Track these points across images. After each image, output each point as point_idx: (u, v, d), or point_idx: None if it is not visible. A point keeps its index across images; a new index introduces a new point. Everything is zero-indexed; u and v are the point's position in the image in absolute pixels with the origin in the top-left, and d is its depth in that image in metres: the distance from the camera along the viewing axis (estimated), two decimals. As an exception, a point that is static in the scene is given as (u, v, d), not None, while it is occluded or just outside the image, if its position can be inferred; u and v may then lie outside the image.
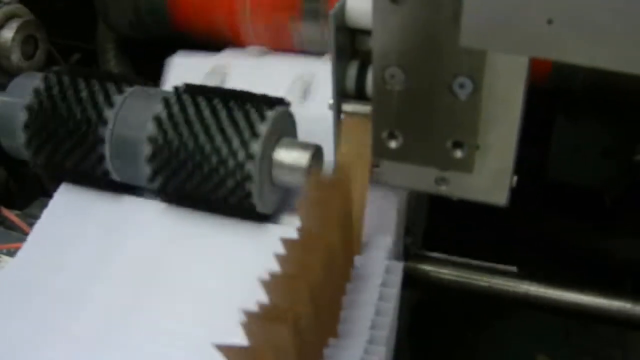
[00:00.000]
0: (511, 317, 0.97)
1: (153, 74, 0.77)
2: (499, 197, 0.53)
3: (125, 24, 0.85)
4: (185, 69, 0.75)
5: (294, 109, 0.61)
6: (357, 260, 0.53)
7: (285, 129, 0.59)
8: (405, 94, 0.50)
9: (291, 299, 0.41)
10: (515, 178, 0.53)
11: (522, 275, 0.77)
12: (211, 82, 0.72)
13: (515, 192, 0.94)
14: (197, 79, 0.71)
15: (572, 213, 0.99)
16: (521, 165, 0.93)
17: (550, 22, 0.37)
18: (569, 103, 0.88)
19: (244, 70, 0.74)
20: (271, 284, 0.41)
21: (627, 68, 0.37)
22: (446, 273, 0.80)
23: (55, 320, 0.54)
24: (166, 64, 0.77)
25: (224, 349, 0.38)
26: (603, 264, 0.97)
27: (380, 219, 0.58)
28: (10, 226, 0.71)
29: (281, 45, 0.75)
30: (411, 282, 0.83)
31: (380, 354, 0.48)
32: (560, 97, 0.86)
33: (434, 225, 0.96)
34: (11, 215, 0.72)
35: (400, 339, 0.65)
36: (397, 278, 0.52)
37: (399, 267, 0.53)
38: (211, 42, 0.80)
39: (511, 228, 1.00)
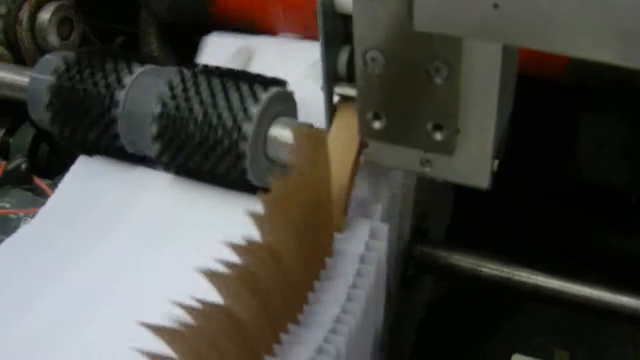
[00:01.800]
0: (529, 311, 0.98)
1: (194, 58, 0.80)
2: (481, 180, 0.54)
3: (164, 9, 0.89)
4: (217, 48, 0.78)
5: (312, 91, 0.62)
6: (340, 236, 0.55)
7: (283, 108, 0.62)
8: (386, 77, 0.51)
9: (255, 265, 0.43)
10: (496, 162, 0.54)
11: (540, 270, 0.78)
12: (236, 62, 0.75)
13: (539, 191, 0.95)
14: (225, 57, 0.75)
15: (597, 212, 0.99)
16: (545, 164, 0.93)
17: (496, 6, 0.38)
18: (593, 100, 0.88)
19: (268, 53, 0.77)
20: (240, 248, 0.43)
21: (573, 52, 0.38)
22: (464, 263, 0.82)
23: (59, 272, 0.58)
24: (201, 42, 0.81)
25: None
26: (625, 263, 0.96)
27: (371, 198, 0.60)
28: (40, 193, 0.76)
29: (313, 34, 0.78)
30: (429, 268, 0.85)
31: (350, 325, 0.50)
32: (584, 94, 0.86)
33: (457, 219, 0.98)
34: (42, 183, 0.77)
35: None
36: (375, 255, 0.54)
37: (381, 245, 0.55)
38: (246, 29, 0.84)
39: (534, 225, 1.01)
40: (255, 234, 0.45)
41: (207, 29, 0.84)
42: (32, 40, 0.79)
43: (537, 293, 0.79)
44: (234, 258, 0.43)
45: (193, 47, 0.82)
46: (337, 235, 0.55)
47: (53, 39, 0.79)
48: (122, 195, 0.66)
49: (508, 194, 0.99)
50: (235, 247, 0.43)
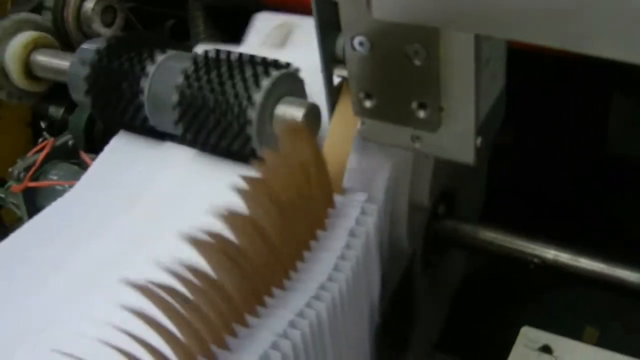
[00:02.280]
0: (560, 291, 0.98)
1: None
2: (466, 156, 0.57)
3: (209, -7, 0.94)
4: (262, 24, 0.83)
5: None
6: (333, 211, 0.59)
7: (291, 90, 0.66)
8: (373, 60, 0.54)
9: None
10: (479, 139, 0.56)
11: (569, 248, 0.80)
12: (275, 36, 0.79)
13: (574, 169, 0.95)
14: (266, 32, 0.79)
15: (632, 190, 0.98)
16: (580, 142, 0.94)
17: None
18: (624, 77, 0.88)
19: (306, 30, 0.80)
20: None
21: (512, 35, 0.41)
22: (490, 239, 0.84)
23: (78, 241, 0.64)
24: (251, 19, 0.86)
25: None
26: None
27: (370, 175, 0.64)
28: (85, 167, 0.83)
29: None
30: (453, 243, 0.87)
31: (334, 292, 0.54)
32: (615, 71, 0.87)
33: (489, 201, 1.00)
34: (87, 158, 0.84)
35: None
36: (364, 229, 0.58)
37: (370, 221, 0.59)
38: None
39: (564, 204, 1.01)
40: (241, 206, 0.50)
41: (252, 12, 0.89)
42: (78, 28, 0.86)
43: (566, 271, 0.81)
44: (217, 226, 0.48)
45: (239, 30, 0.86)
46: (330, 211, 0.59)
47: (97, 26, 0.86)
48: (149, 167, 0.72)
49: (538, 173, 1.00)
50: (219, 216, 0.48)
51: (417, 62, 0.52)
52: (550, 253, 0.80)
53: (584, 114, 0.95)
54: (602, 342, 0.77)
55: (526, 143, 1.02)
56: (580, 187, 0.99)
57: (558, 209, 0.99)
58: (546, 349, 0.74)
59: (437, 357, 0.93)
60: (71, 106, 0.96)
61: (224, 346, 0.49)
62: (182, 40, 1.08)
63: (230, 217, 0.49)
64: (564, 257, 0.79)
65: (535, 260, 0.82)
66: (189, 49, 0.82)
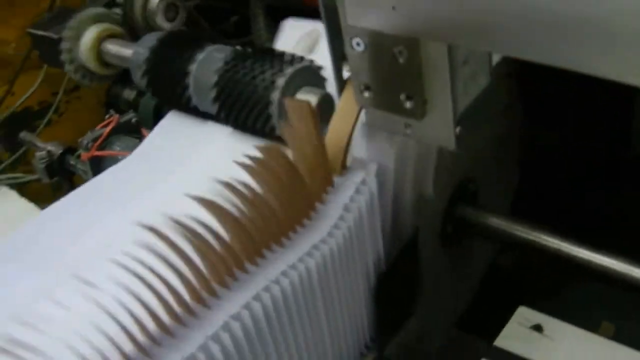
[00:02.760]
0: (578, 286, 1.03)
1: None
2: (448, 142, 0.67)
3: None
4: (290, 31, 0.94)
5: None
6: (332, 188, 0.70)
7: (312, 82, 0.77)
8: (368, 58, 0.65)
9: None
10: (459, 128, 0.66)
11: (590, 245, 0.86)
12: (304, 42, 0.91)
13: (597, 165, 1.01)
14: (294, 40, 0.91)
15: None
16: (604, 139, 1.00)
17: (394, 8, 0.51)
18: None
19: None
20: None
21: (476, 45, 0.51)
22: (506, 229, 0.93)
23: (122, 202, 0.77)
24: (280, 25, 0.97)
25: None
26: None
27: (371, 157, 0.74)
28: (143, 142, 0.97)
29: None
30: (469, 230, 0.96)
31: (324, 252, 0.65)
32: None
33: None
34: (146, 134, 0.98)
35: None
36: (356, 205, 0.69)
37: (361, 199, 0.70)
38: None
39: (591, 200, 1.07)
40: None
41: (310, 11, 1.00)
42: (144, 22, 1.00)
43: (585, 267, 0.88)
44: (224, 192, 0.60)
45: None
46: (329, 188, 0.70)
47: (160, 20, 1.00)
48: (192, 142, 0.84)
49: (563, 171, 1.07)
50: (223, 183, 0.60)
51: (401, 61, 0.63)
52: (569, 247, 0.88)
53: (607, 115, 1.02)
54: (618, 338, 0.83)
55: (551, 142, 1.09)
56: (603, 187, 1.06)
57: (580, 208, 1.05)
58: (537, 328, 0.83)
59: (454, 333, 1.00)
60: (143, 91, 1.10)
61: (224, 285, 0.61)
62: (244, 35, 1.21)
63: (231, 184, 0.60)
64: (584, 252, 0.86)
65: (553, 253, 0.90)
66: (250, 44, 0.94)
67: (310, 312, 0.68)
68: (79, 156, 1.06)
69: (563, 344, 0.80)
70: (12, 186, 1.25)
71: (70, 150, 1.11)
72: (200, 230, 0.59)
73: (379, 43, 0.63)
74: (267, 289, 0.61)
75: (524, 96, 1.05)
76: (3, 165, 1.27)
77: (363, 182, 0.71)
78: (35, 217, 0.81)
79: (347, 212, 0.69)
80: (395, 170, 0.76)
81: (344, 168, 0.72)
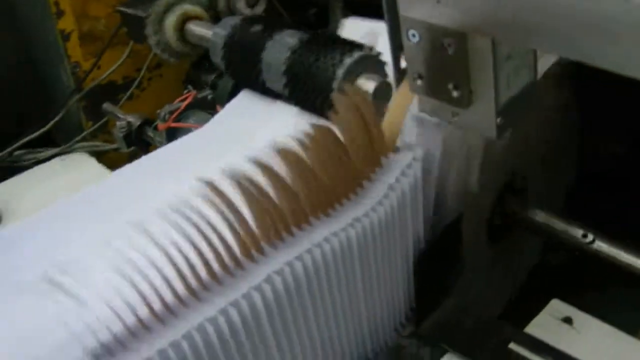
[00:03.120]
0: (622, 291, 1.04)
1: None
2: (489, 132, 0.72)
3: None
4: (352, 31, 1.01)
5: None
6: (380, 169, 0.77)
7: (372, 69, 0.84)
8: (421, 48, 0.71)
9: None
10: (499, 119, 0.71)
11: (630, 247, 0.90)
12: (364, 41, 0.97)
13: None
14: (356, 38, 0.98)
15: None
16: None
17: (438, 1, 0.58)
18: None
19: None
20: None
21: (518, 43, 0.57)
22: (554, 227, 0.97)
23: (186, 168, 0.84)
24: (340, 24, 1.04)
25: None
26: None
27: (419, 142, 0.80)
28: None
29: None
30: (515, 223, 1.01)
31: (365, 225, 0.72)
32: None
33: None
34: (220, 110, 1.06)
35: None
36: (400, 186, 0.75)
37: (406, 180, 0.76)
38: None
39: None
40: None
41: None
42: (226, 6, 1.09)
43: (625, 269, 0.92)
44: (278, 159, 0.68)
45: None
46: (377, 169, 0.76)
47: (241, 6, 1.08)
48: (258, 118, 0.92)
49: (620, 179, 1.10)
50: (278, 150, 0.68)
51: (450, 52, 0.69)
52: (616, 252, 0.92)
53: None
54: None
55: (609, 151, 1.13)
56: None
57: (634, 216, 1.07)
58: (567, 320, 0.88)
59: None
60: (221, 74, 1.19)
61: (271, 244, 0.68)
62: (322, 27, 1.29)
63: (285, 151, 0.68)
64: (632, 259, 0.91)
65: (593, 253, 0.94)
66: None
67: (349, 281, 0.74)
68: (156, 127, 1.15)
69: (590, 338, 0.85)
70: (92, 154, 1.36)
71: (148, 122, 1.20)
72: (254, 190, 0.66)
73: (430, 35, 0.69)
74: (309, 251, 0.68)
75: (581, 102, 1.08)
76: (84, 133, 1.38)
77: (409, 165, 0.77)
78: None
79: (392, 191, 0.75)
80: (441, 159, 0.82)
81: (394, 150, 0.78)
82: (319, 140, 0.70)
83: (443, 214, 0.86)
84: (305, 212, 0.70)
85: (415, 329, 0.86)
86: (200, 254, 0.64)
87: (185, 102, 1.10)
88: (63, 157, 1.37)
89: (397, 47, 0.77)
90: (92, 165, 1.33)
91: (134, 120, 1.22)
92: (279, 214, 0.68)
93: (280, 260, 0.67)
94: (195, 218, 0.63)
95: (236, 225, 0.65)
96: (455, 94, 0.71)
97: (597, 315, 0.90)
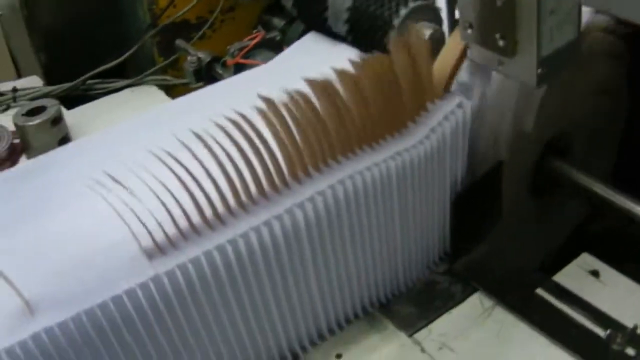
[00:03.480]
0: None
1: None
2: (530, 79, 0.77)
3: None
4: None
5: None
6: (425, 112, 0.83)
7: (429, 17, 0.90)
8: (472, 1, 0.77)
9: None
10: (540, 70, 0.76)
11: None
12: None
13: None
14: None
15: None
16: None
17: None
18: None
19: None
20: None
21: None
22: (593, 188, 1.02)
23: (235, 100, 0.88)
24: None
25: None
26: None
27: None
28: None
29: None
30: (557, 183, 1.05)
31: (405, 159, 0.78)
32: None
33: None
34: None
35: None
36: (441, 129, 0.81)
37: (447, 125, 0.82)
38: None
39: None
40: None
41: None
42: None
43: None
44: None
45: None
46: (422, 112, 0.82)
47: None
48: (320, 58, 0.99)
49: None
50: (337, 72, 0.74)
51: (499, 4, 0.74)
52: None
53: None
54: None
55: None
56: None
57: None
58: (595, 273, 0.93)
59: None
60: (291, 20, 1.26)
61: (316, 168, 0.75)
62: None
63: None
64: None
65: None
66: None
67: (386, 211, 0.81)
68: (224, 64, 1.23)
69: (615, 292, 0.90)
70: (161, 87, 1.45)
71: (217, 59, 1.28)
72: (310, 114, 0.73)
73: (482, -14, 0.74)
74: (351, 177, 0.75)
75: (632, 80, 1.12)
76: (156, 67, 1.47)
77: (452, 111, 0.83)
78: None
79: (433, 133, 0.81)
80: (494, 103, 0.87)
81: (443, 94, 0.84)
82: (373, 66, 0.76)
83: (486, 160, 0.92)
84: (351, 142, 0.77)
85: (449, 266, 0.93)
86: (252, 169, 0.71)
87: (254, 41, 1.18)
88: (133, 88, 1.46)
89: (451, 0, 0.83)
90: (160, 97, 1.42)
91: (204, 56, 1.29)
92: (327, 140, 0.75)
93: (323, 183, 0.74)
94: (252, 134, 0.70)
95: (288, 145, 0.72)
96: (501, 43, 0.76)
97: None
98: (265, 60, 1.13)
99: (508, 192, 0.96)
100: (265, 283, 0.74)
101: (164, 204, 0.68)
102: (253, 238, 0.71)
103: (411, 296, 0.90)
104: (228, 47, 1.18)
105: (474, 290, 0.90)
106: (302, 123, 0.73)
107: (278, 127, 0.72)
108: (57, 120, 1.22)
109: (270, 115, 0.71)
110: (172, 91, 1.44)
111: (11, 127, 1.24)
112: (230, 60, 1.17)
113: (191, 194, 0.69)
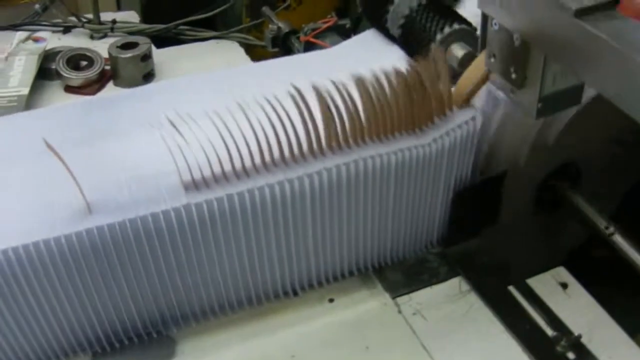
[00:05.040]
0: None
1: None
2: (531, 113, 0.95)
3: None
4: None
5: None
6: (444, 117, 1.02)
7: (465, 39, 1.09)
8: (498, 35, 0.95)
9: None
10: (540, 104, 0.95)
11: None
12: None
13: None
14: None
15: None
16: None
17: (500, 6, 0.82)
18: None
19: None
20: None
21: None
22: (591, 218, 1.19)
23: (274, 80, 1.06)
24: None
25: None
26: None
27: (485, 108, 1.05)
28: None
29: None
30: (560, 204, 1.23)
31: (420, 152, 0.98)
32: None
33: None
34: (352, 38, 1.34)
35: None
36: (459, 131, 1.01)
37: (457, 133, 1.01)
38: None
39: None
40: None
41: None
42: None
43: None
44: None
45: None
46: (442, 116, 1.02)
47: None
48: (373, 53, 1.19)
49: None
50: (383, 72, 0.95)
51: (516, 44, 0.93)
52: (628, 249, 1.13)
53: None
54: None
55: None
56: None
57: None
58: (564, 285, 1.11)
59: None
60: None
61: (348, 144, 0.96)
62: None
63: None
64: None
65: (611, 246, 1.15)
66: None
67: (397, 191, 1.01)
68: (298, 37, 1.44)
69: (575, 304, 1.08)
70: (242, 45, 1.67)
71: (295, 32, 1.49)
72: (346, 96, 0.93)
73: (505, 27, 0.93)
74: (372, 157, 0.95)
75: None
76: (241, 26, 1.69)
77: (466, 122, 1.02)
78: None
79: (446, 137, 1.01)
80: (499, 125, 1.06)
81: (464, 104, 1.04)
82: (410, 72, 0.97)
83: (493, 168, 1.11)
84: (382, 129, 0.97)
85: (442, 250, 1.13)
86: (295, 134, 0.92)
87: (327, 25, 1.39)
88: (218, 41, 1.69)
89: (485, 30, 1.02)
90: (239, 54, 1.65)
91: (284, 27, 1.51)
92: (369, 123, 0.95)
93: (351, 157, 0.95)
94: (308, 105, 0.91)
95: (342, 117, 0.93)
96: (514, 76, 0.95)
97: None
98: (333, 43, 1.34)
99: (512, 199, 1.14)
100: (272, 233, 0.94)
101: (205, 151, 0.88)
102: (266, 192, 0.91)
103: (403, 267, 1.12)
104: (304, 26, 1.39)
105: (457, 274, 1.10)
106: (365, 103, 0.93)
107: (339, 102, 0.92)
108: (146, 57, 1.46)
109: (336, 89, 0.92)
110: (251, 51, 1.66)
111: (105, 54, 1.48)
112: (303, 37, 1.38)
113: (235, 143, 0.89)
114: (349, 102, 0.93)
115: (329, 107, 0.92)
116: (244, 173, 0.91)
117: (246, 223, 0.92)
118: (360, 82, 0.94)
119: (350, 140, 0.96)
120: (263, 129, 0.90)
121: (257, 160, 0.91)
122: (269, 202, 0.92)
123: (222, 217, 0.90)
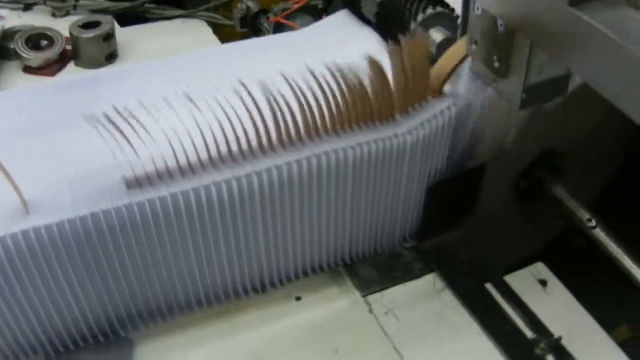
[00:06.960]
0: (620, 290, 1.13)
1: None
2: (515, 103, 0.88)
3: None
4: None
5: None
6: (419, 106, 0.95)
7: (444, 23, 1.01)
8: (481, 20, 0.87)
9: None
10: (524, 95, 0.87)
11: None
12: None
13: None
14: None
15: None
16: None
17: None
18: None
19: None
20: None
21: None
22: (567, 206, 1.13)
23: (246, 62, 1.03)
24: None
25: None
26: None
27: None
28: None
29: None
30: (540, 193, 1.16)
31: (400, 140, 0.91)
32: None
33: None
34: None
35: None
36: (438, 119, 0.93)
37: (433, 122, 0.94)
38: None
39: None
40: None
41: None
42: None
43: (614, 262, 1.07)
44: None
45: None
46: (423, 102, 0.94)
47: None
48: (344, 34, 1.12)
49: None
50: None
51: (500, 30, 0.85)
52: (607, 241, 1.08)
53: None
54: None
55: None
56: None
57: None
58: (543, 282, 1.05)
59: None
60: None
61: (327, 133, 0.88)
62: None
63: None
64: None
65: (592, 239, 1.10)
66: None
67: (369, 182, 0.94)
68: (267, 17, 1.35)
69: (554, 302, 1.03)
70: (210, 24, 1.58)
71: (264, 11, 1.40)
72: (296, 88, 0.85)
73: (489, 12, 0.85)
74: (344, 150, 0.89)
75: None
76: (209, 5, 1.60)
77: (442, 112, 0.95)
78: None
79: (420, 128, 0.93)
80: (481, 113, 0.99)
81: (439, 93, 0.96)
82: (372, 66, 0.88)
83: (474, 160, 1.03)
84: (343, 120, 0.89)
85: (416, 244, 1.05)
86: (264, 124, 0.84)
87: (297, 5, 1.30)
88: (185, 19, 1.59)
89: (467, 14, 0.93)
90: (207, 33, 1.55)
91: (253, 6, 1.42)
92: (345, 113, 0.88)
93: (328, 146, 0.88)
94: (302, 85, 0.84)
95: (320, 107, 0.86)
96: (496, 64, 0.88)
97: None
98: (303, 24, 1.25)
99: (493, 193, 1.08)
100: (219, 232, 0.87)
101: (148, 146, 0.80)
102: (213, 191, 0.83)
103: (376, 262, 1.05)
104: (273, 6, 1.30)
105: (431, 271, 1.04)
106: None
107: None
108: (109, 36, 1.36)
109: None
110: (219, 30, 1.57)
111: (66, 33, 1.38)
112: (272, 18, 1.29)
113: (170, 142, 0.81)
114: (300, 95, 0.86)
115: (276, 101, 0.84)
116: (189, 170, 0.83)
117: (192, 222, 0.84)
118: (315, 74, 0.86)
119: (304, 136, 0.88)
120: (209, 124, 0.83)
121: (204, 156, 0.83)
122: (216, 201, 0.84)
123: (166, 216, 0.82)
